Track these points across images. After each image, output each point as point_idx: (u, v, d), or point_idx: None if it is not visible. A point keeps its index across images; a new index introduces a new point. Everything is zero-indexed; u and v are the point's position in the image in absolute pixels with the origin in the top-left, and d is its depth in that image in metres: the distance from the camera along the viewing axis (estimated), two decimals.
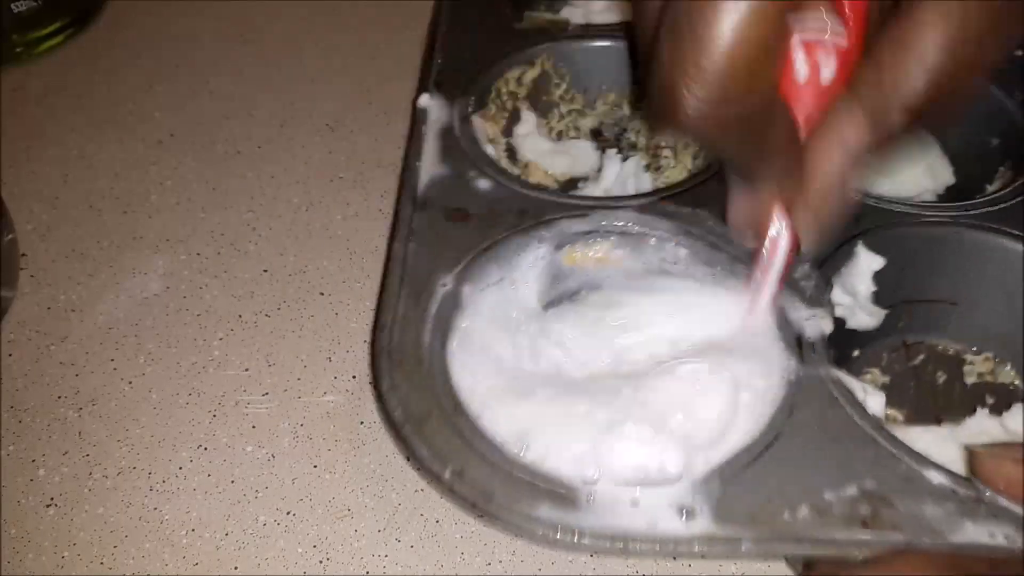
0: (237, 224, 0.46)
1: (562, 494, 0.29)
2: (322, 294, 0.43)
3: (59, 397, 0.38)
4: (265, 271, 0.44)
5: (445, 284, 0.35)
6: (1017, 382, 0.39)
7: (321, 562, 0.33)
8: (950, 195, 0.44)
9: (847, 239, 0.37)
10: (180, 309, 0.42)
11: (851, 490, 0.29)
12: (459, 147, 0.40)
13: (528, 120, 0.47)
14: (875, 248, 0.37)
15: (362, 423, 0.38)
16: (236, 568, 0.33)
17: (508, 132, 0.47)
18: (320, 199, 0.48)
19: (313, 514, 0.35)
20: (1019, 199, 0.39)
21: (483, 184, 0.39)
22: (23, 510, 0.35)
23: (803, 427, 0.31)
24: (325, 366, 0.40)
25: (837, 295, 0.36)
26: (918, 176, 0.44)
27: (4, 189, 0.45)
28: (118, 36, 0.58)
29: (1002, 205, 0.39)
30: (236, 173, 0.49)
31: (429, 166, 0.39)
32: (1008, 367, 0.39)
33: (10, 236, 0.42)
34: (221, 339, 0.41)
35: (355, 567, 0.33)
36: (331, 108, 0.53)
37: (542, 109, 0.48)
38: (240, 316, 0.42)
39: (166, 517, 0.35)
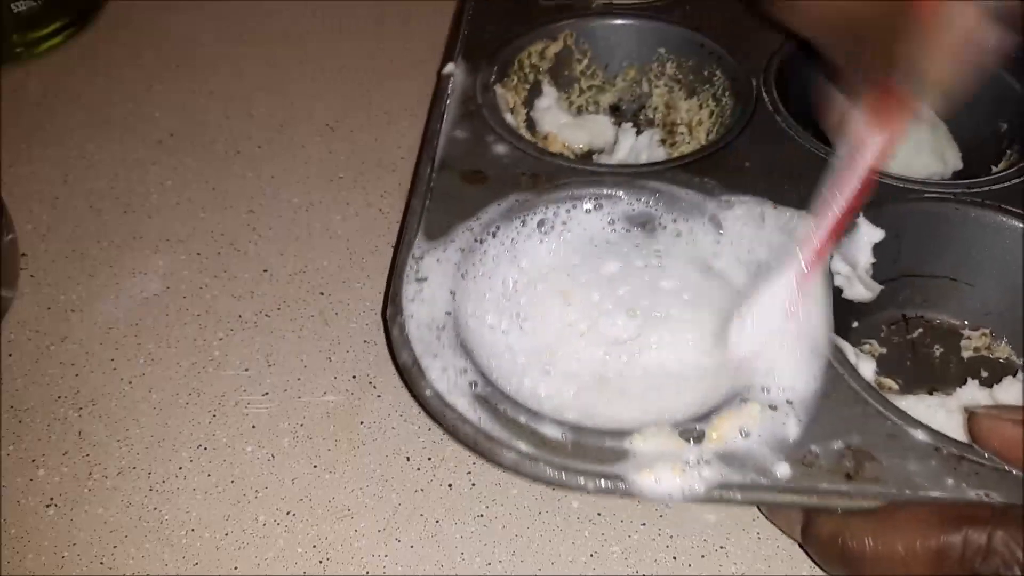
0: (237, 224, 0.46)
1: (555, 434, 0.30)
2: (322, 294, 0.43)
3: (59, 397, 0.38)
4: (265, 271, 0.44)
5: (465, 232, 0.37)
6: (1013, 357, 0.39)
7: (321, 562, 0.33)
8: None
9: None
10: (180, 309, 0.42)
11: (837, 444, 0.30)
12: (479, 114, 0.42)
13: (549, 94, 0.49)
14: (877, 222, 0.37)
15: (362, 423, 0.38)
16: (236, 568, 0.33)
17: (529, 104, 0.48)
18: (320, 199, 0.48)
19: (313, 514, 0.35)
20: (1022, 179, 0.39)
21: (500, 148, 0.41)
22: (23, 510, 0.35)
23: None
24: (325, 366, 0.40)
25: (836, 264, 0.37)
26: (928, 161, 0.45)
27: (4, 189, 0.45)
28: (118, 36, 0.58)
29: (1004, 184, 0.39)
30: (236, 173, 0.49)
31: (449, 130, 0.41)
32: (1004, 342, 0.40)
33: (10, 236, 0.42)
34: (221, 339, 0.41)
35: (355, 567, 0.33)
36: (331, 108, 0.53)
37: (563, 84, 0.49)
38: (240, 316, 0.42)
39: (166, 517, 0.35)
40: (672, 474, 0.29)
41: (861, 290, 0.37)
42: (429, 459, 0.37)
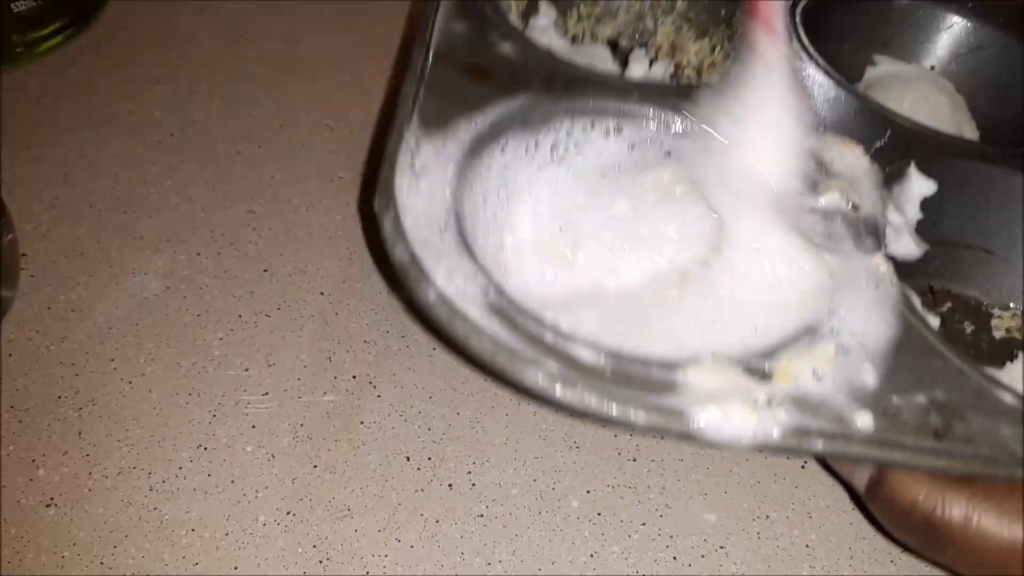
0: (237, 224, 0.46)
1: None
2: (322, 294, 0.43)
3: (59, 397, 0.38)
4: (265, 271, 0.44)
5: (468, 127, 0.33)
6: None
7: (321, 562, 0.33)
8: None
9: (899, 158, 0.36)
10: (180, 309, 0.42)
11: (920, 398, 0.27)
12: (481, 8, 0.38)
13: (547, 13, 0.45)
14: (929, 173, 0.36)
15: (362, 423, 0.38)
16: (236, 568, 0.33)
17: (525, 22, 0.45)
18: (320, 199, 0.48)
19: (313, 514, 0.35)
20: None
21: (506, 48, 0.36)
22: (23, 510, 0.35)
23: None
24: (325, 366, 0.40)
25: (890, 213, 0.34)
26: None
27: (4, 189, 0.45)
28: (118, 36, 0.58)
29: None
30: (236, 173, 0.49)
31: (446, 20, 0.37)
32: None
33: (10, 236, 0.42)
34: (221, 339, 0.41)
35: (355, 567, 0.33)
36: (331, 108, 0.53)
37: (561, 5, 0.46)
38: (240, 316, 0.42)
39: (166, 517, 0.35)
40: (743, 412, 0.25)
41: (909, 244, 0.36)
42: (429, 459, 0.37)
